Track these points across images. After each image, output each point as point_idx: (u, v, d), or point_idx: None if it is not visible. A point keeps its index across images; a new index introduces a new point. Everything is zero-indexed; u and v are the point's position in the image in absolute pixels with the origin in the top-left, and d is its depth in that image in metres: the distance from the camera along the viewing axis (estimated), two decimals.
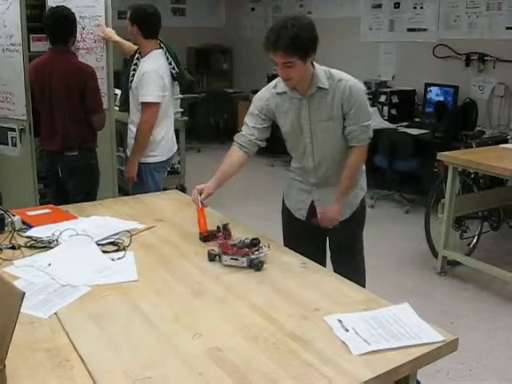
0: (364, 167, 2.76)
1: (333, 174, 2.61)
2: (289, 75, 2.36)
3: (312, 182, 2.68)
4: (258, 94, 2.64)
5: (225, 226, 2.35)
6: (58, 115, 3.63)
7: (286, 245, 2.59)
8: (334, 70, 2.48)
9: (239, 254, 2.14)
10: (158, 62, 3.56)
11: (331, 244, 2.82)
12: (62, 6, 3.73)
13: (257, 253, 2.14)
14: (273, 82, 2.60)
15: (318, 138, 2.54)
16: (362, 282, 2.54)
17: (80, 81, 3.56)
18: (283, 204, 2.87)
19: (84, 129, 3.68)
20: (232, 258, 2.14)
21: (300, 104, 2.49)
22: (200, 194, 2.48)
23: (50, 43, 3.69)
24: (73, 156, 3.68)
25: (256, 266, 2.12)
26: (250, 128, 2.60)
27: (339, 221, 2.62)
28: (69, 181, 3.76)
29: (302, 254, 2.28)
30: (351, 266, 2.73)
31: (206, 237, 2.38)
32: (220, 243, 2.20)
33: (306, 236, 2.69)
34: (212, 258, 2.19)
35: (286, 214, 2.84)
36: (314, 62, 2.44)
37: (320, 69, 2.45)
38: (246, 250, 2.14)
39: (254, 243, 2.17)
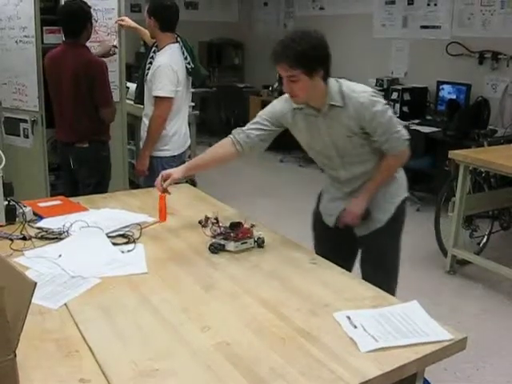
0: (402, 172, 2.60)
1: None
2: (293, 91, 2.25)
3: (346, 191, 2.55)
4: (278, 103, 2.49)
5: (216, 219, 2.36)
6: (68, 107, 3.67)
7: (315, 247, 2.58)
8: (345, 85, 2.32)
9: (246, 235, 2.24)
10: (173, 57, 3.56)
11: (363, 255, 2.64)
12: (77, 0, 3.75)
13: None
14: (287, 94, 2.42)
15: (345, 153, 2.42)
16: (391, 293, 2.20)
17: (88, 74, 3.57)
18: (317, 206, 2.74)
19: (94, 122, 3.70)
20: (242, 243, 2.23)
21: (316, 121, 2.37)
22: (165, 180, 2.46)
23: (63, 36, 3.72)
24: (83, 148, 3.72)
25: (260, 243, 2.28)
26: (255, 128, 2.50)
27: (372, 230, 2.51)
28: (79, 172, 3.80)
29: (328, 259, 2.19)
30: (380, 279, 2.37)
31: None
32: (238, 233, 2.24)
33: (336, 242, 2.58)
34: (216, 251, 2.21)
35: (318, 217, 2.71)
36: (331, 78, 2.30)
37: (333, 84, 2.31)
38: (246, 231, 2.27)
39: (236, 224, 2.28)
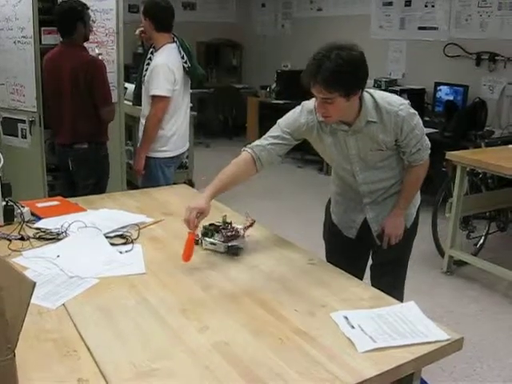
0: None
1: (390, 194, 2.43)
2: (327, 112, 2.09)
3: (365, 202, 2.44)
4: (302, 116, 2.27)
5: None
6: (67, 108, 3.66)
7: (328, 259, 2.47)
8: (379, 97, 2.19)
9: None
10: (170, 56, 3.57)
11: (376, 260, 2.60)
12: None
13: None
14: (310, 105, 2.26)
15: (369, 166, 2.33)
16: (399, 298, 2.12)
17: (87, 73, 3.57)
18: (329, 219, 2.63)
19: (93, 122, 3.70)
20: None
21: (344, 135, 2.24)
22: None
23: (60, 37, 3.72)
24: (82, 148, 3.72)
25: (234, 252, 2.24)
26: (277, 144, 2.29)
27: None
28: (78, 173, 3.80)
29: (342, 267, 2.13)
30: (392, 282, 2.46)
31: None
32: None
33: (351, 253, 2.51)
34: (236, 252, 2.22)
35: (333, 230, 2.60)
36: (365, 92, 2.17)
37: (367, 99, 2.17)
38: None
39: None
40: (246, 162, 2.29)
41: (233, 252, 2.21)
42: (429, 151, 2.37)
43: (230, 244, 2.22)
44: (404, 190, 2.41)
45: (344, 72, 1.98)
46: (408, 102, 2.26)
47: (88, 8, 3.72)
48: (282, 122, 2.32)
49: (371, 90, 2.23)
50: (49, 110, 3.90)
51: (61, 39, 3.74)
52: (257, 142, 2.32)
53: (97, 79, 3.62)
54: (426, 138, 2.33)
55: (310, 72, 2.01)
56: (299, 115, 2.29)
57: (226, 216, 2.37)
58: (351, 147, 2.28)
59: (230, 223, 2.33)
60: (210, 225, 2.31)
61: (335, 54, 1.98)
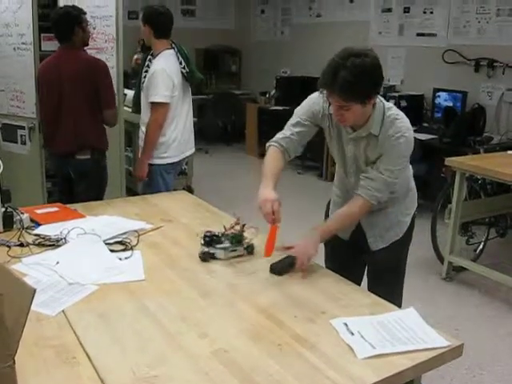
0: (413, 184, 2.55)
1: (384, 204, 2.37)
2: (343, 117, 2.11)
3: None
4: (316, 104, 2.29)
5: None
6: (70, 113, 3.57)
7: (326, 264, 2.46)
8: (388, 115, 2.17)
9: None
10: (169, 62, 3.58)
11: (370, 267, 2.59)
12: (67, 5, 3.74)
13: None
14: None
15: (362, 172, 2.29)
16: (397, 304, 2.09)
17: (92, 74, 3.53)
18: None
19: (96, 128, 3.64)
20: (232, 250, 2.26)
21: (347, 138, 2.27)
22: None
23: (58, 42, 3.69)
24: (85, 159, 3.62)
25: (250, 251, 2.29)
26: (298, 132, 2.32)
27: (390, 243, 2.45)
28: (79, 184, 3.70)
29: (339, 273, 2.13)
30: (388, 291, 2.28)
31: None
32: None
33: (346, 257, 2.51)
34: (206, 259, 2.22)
35: None
36: (381, 103, 2.19)
37: (378, 111, 2.17)
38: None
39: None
40: (278, 156, 2.33)
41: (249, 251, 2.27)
42: (377, 198, 2.22)
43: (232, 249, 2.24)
44: (334, 216, 2.34)
45: (360, 81, 1.97)
46: (410, 134, 2.21)
47: (85, 13, 3.67)
48: (300, 109, 2.36)
49: (387, 104, 2.23)
50: (45, 118, 3.78)
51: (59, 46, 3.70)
52: (280, 135, 2.35)
53: (102, 80, 3.57)
54: (394, 182, 2.22)
55: (326, 81, 2.02)
56: (315, 103, 2.31)
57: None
58: (348, 150, 2.31)
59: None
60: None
61: (350, 63, 1.97)
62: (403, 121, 2.20)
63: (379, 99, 2.20)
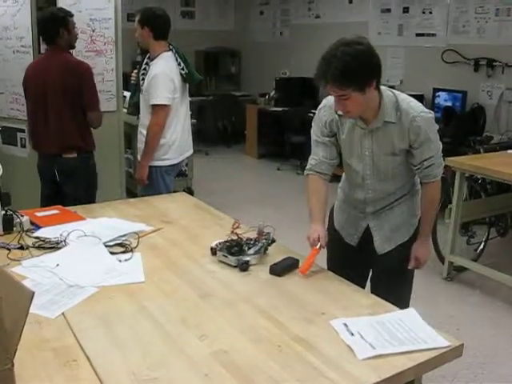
0: (420, 191, 2.51)
1: (393, 204, 2.41)
2: (346, 108, 2.11)
3: (368, 211, 2.43)
4: (324, 114, 2.32)
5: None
6: (55, 115, 3.56)
7: (329, 267, 2.42)
8: (401, 99, 2.20)
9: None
10: (168, 64, 3.58)
11: (376, 271, 2.55)
12: (54, 7, 3.73)
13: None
14: (330, 100, 2.25)
15: (379, 171, 2.31)
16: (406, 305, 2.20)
17: (75, 76, 3.52)
18: (332, 225, 2.60)
19: (82, 129, 3.62)
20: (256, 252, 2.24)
21: (363, 133, 2.24)
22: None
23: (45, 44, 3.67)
24: (71, 158, 3.62)
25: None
26: (321, 156, 2.36)
27: (397, 245, 2.44)
28: (67, 184, 3.67)
29: (345, 277, 2.12)
30: (395, 294, 2.23)
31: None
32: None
33: (353, 261, 2.48)
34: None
35: (335, 236, 2.53)
36: (383, 88, 2.18)
37: (388, 98, 2.18)
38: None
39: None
40: (319, 184, 2.38)
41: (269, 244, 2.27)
42: (442, 170, 2.34)
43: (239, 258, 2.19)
44: (423, 214, 2.42)
45: (352, 67, 1.98)
46: (433, 114, 2.24)
47: (72, 15, 3.65)
48: (313, 126, 2.39)
49: (396, 92, 2.24)
50: (30, 119, 3.75)
51: (46, 47, 3.67)
52: (312, 161, 2.39)
53: (86, 82, 3.56)
54: (440, 154, 2.31)
55: (320, 72, 2.04)
56: (323, 114, 2.33)
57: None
58: (365, 147, 2.27)
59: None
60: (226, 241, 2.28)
61: (341, 52, 1.99)
62: (417, 102, 2.23)
63: (389, 90, 2.21)
